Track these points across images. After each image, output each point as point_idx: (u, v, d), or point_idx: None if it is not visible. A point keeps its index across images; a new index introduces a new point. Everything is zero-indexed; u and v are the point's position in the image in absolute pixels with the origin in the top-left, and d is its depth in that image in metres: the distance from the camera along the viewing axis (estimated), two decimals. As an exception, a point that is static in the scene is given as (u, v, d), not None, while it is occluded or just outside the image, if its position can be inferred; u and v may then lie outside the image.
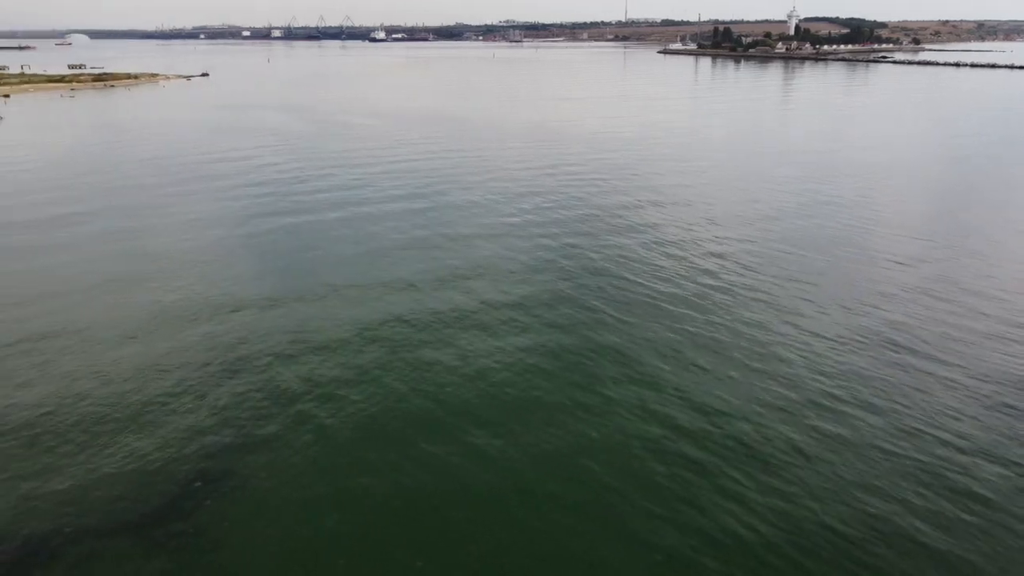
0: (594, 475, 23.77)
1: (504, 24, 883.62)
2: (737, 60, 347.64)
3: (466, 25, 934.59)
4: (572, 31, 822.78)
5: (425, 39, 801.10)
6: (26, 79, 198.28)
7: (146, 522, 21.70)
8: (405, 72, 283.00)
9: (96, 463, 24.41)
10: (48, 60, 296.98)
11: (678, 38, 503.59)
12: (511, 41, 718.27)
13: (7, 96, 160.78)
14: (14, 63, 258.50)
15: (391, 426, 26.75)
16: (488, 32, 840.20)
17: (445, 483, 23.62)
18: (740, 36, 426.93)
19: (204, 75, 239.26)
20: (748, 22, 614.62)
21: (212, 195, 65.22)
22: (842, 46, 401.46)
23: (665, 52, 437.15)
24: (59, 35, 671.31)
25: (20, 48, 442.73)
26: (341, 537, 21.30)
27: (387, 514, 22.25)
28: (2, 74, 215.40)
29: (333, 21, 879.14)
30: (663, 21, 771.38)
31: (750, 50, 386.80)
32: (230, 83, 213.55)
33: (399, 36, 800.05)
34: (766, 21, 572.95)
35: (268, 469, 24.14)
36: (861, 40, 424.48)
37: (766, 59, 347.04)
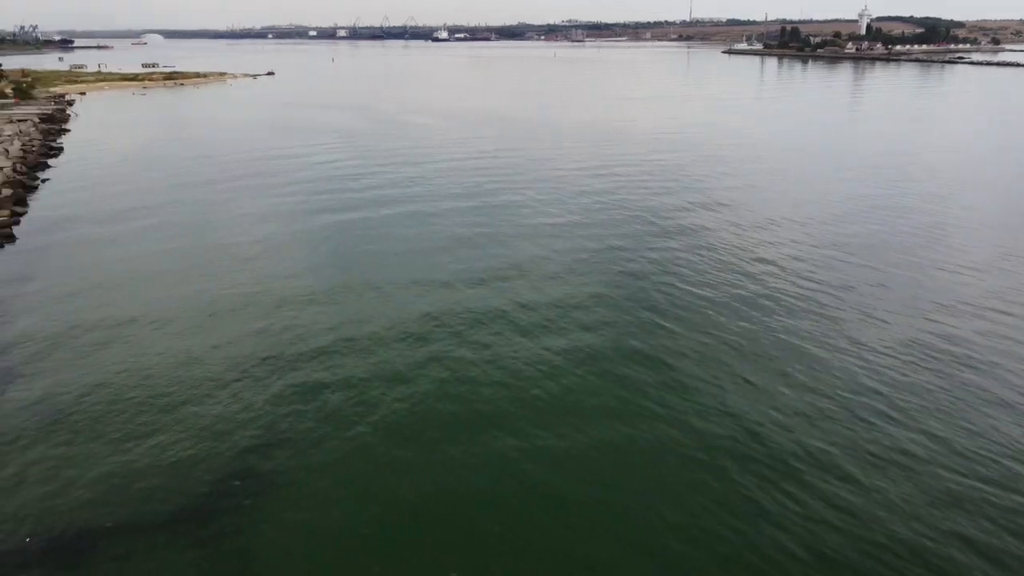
0: (629, 485, 23.10)
1: (566, 24, 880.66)
2: (804, 60, 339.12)
3: (528, 25, 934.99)
4: (635, 31, 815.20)
5: (487, 39, 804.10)
6: (102, 77, 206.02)
7: (184, 519, 21.84)
8: (465, 71, 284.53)
9: (138, 456, 24.81)
10: (124, 59, 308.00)
11: (743, 38, 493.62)
12: (573, 41, 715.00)
13: (83, 94, 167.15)
14: (92, 62, 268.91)
15: (427, 427, 26.53)
16: (550, 32, 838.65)
17: (478, 486, 23.26)
18: (808, 36, 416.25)
19: (270, 74, 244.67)
20: (817, 21, 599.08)
21: (268, 191, 66.41)
22: (916, 46, 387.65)
23: (730, 52, 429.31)
24: (135, 35, 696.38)
25: (99, 48, 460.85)
26: (377, 541, 21.10)
27: (421, 516, 22.00)
28: (79, 73, 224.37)
29: (397, 21, 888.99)
30: (728, 21, 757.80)
31: (818, 50, 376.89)
32: (294, 82, 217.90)
33: (461, 36, 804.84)
34: (835, 21, 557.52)
35: (305, 469, 24.08)
36: (936, 40, 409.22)
37: (835, 59, 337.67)
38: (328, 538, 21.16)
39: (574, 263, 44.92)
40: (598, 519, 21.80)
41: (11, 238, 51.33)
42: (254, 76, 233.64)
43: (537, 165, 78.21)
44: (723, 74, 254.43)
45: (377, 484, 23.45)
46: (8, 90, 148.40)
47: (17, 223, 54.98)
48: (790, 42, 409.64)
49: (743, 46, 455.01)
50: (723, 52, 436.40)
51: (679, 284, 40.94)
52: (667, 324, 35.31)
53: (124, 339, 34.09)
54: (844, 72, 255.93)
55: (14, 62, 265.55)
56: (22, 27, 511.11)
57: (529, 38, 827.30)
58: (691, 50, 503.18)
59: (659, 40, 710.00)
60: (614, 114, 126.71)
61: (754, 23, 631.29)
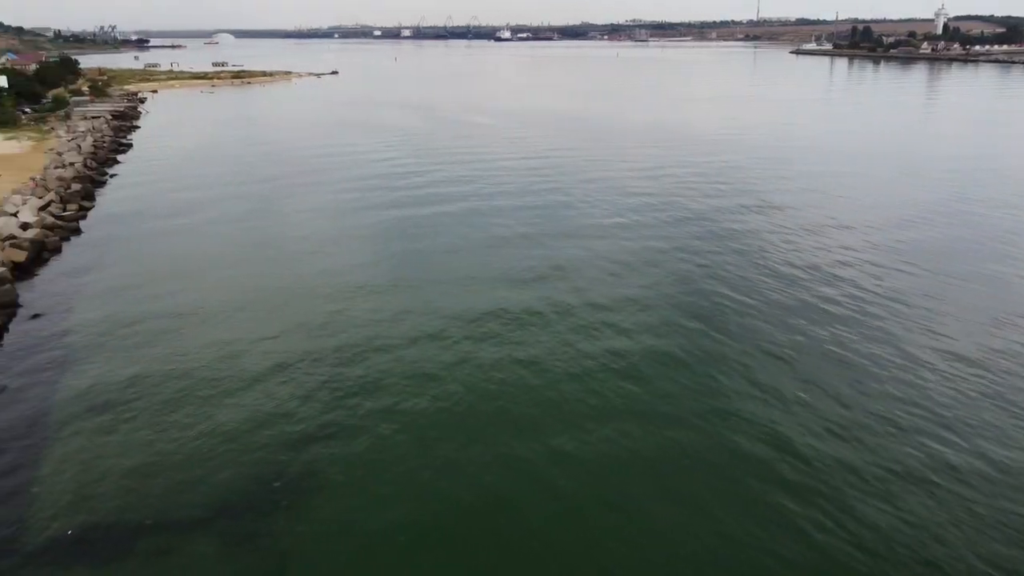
0: (662, 495, 22.20)
1: (630, 23, 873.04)
2: (876, 61, 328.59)
3: (591, 24, 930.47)
4: (700, 30, 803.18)
5: (549, 38, 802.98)
6: (173, 76, 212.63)
7: (221, 517, 21.71)
8: (525, 71, 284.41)
9: (178, 449, 24.92)
10: (195, 58, 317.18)
11: (812, 38, 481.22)
12: (636, 40, 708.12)
13: (155, 91, 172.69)
14: (165, 61, 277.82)
15: (464, 427, 26.04)
16: (613, 32, 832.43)
17: (513, 489, 22.65)
18: (880, 36, 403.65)
19: (334, 73, 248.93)
20: (890, 21, 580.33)
21: (325, 188, 67.16)
22: (996, 46, 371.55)
23: (797, 52, 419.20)
24: (208, 35, 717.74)
25: (172, 47, 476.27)
26: (411, 543, 20.69)
27: (456, 520, 21.51)
28: (153, 71, 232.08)
29: (460, 21, 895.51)
30: (797, 20, 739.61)
31: (891, 51, 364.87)
32: (356, 81, 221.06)
33: (523, 36, 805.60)
34: (910, 20, 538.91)
35: (348, 473, 23.67)
36: (1018, 40, 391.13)
37: (909, 60, 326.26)
38: (363, 540, 20.79)
39: (622, 266, 43.95)
40: (631, 528, 21.04)
41: (77, 231, 52.98)
42: (318, 75, 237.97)
43: (592, 166, 77.22)
44: (789, 75, 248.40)
45: (415, 485, 23.01)
46: (85, 88, 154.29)
47: (84, 217, 56.77)
48: (861, 42, 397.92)
49: (812, 46, 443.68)
50: (790, 52, 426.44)
51: (728, 291, 39.59)
52: (713, 332, 34.05)
53: (175, 330, 34.62)
54: (918, 73, 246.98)
55: (93, 61, 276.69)
56: (102, 27, 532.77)
57: (592, 38, 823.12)
58: (757, 50, 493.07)
59: (725, 40, 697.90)
60: (675, 115, 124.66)
61: (824, 22, 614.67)
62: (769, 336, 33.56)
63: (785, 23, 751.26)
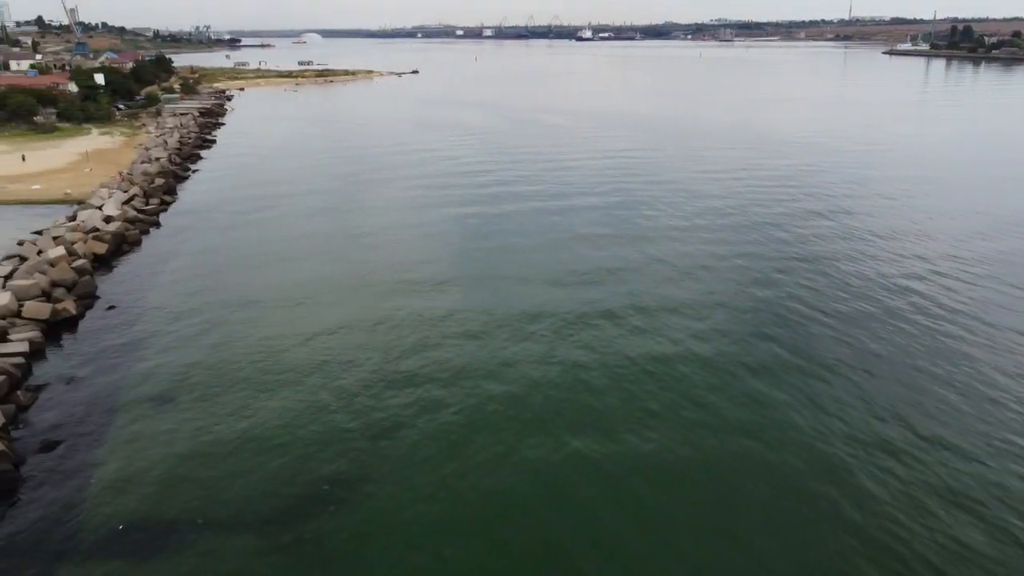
0: (720, 503, 21.21)
1: (715, 23, 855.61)
2: (976, 62, 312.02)
3: (675, 24, 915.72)
4: (788, 30, 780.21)
5: (632, 38, 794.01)
6: (260, 74, 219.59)
7: (271, 519, 21.75)
8: (605, 71, 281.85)
9: (230, 445, 25.24)
10: (283, 57, 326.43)
11: (907, 38, 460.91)
12: (721, 40, 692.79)
13: (242, 89, 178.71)
14: (254, 60, 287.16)
15: (540, 423, 25.88)
16: (698, 31, 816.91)
17: (573, 489, 22.19)
18: (982, 36, 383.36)
19: (414, 72, 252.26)
20: (994, 20, 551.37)
21: (396, 184, 67.97)
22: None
23: (891, 53, 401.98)
24: (296, 35, 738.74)
25: (262, 46, 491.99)
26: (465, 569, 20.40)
27: (513, 517, 21.21)
28: (241, 70, 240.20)
29: (542, 21, 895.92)
30: (892, 19, 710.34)
31: (994, 51, 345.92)
32: (436, 80, 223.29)
33: (605, 35, 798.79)
34: (1016, 19, 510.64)
35: (397, 482, 23.34)
36: None
37: (1012, 61, 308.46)
38: (410, 564, 20.53)
39: (680, 271, 42.88)
40: (690, 534, 20.43)
41: (157, 224, 54.92)
42: (399, 74, 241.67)
43: (663, 168, 75.44)
44: (881, 76, 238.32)
45: (478, 504, 22.55)
46: (176, 86, 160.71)
47: (164, 211, 58.85)
48: (961, 42, 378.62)
49: (907, 46, 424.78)
50: (884, 53, 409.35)
51: (791, 302, 37.83)
52: (771, 343, 32.51)
53: (240, 322, 35.41)
54: (1022, 75, 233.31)
55: (186, 59, 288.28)
56: (197, 27, 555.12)
57: (675, 38, 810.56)
58: (848, 51, 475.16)
59: (814, 40, 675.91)
60: (755, 117, 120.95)
61: (921, 22, 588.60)
62: (831, 350, 31.86)
63: (879, 23, 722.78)
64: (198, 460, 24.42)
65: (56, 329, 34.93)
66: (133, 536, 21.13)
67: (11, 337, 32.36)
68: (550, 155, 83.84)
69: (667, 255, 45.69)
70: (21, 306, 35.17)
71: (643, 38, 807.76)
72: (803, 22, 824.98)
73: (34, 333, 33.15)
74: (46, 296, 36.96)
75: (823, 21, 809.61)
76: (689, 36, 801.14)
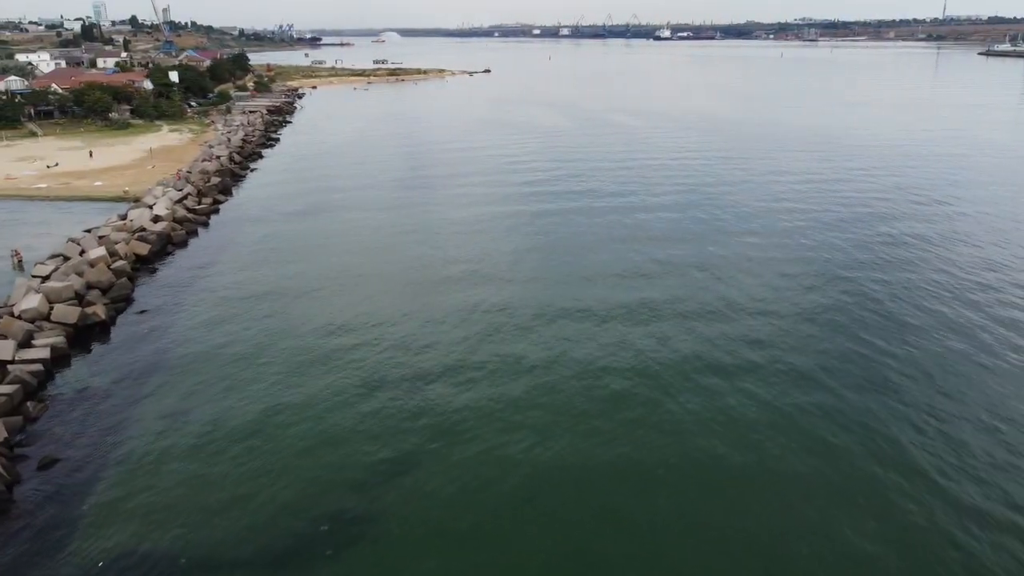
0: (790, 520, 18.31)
1: (799, 22, 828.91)
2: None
3: (757, 23, 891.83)
4: (876, 30, 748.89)
5: (711, 37, 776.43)
6: (334, 73, 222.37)
7: (267, 560, 20.08)
8: (682, 71, 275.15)
9: (237, 477, 23.67)
10: (360, 56, 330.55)
11: (1006, 37, 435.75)
12: (804, 40, 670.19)
13: (314, 87, 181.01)
14: (331, 58, 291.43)
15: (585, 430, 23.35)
16: (780, 31, 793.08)
17: (624, 502, 19.86)
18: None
19: (486, 71, 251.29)
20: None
21: (456, 182, 66.85)
22: None
23: (987, 54, 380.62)
24: (375, 34, 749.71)
25: (341, 45, 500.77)
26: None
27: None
28: (317, 68, 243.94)
29: (620, 20, 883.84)
30: (990, 19, 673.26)
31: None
32: (508, 79, 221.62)
33: (684, 35, 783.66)
34: None
35: (404, 524, 21.42)
36: None
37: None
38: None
39: (738, 275, 40.56)
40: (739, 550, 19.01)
41: (206, 224, 54.43)
42: (470, 73, 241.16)
43: (734, 171, 71.17)
44: (976, 78, 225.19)
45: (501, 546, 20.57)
46: (250, 84, 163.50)
47: (216, 211, 58.41)
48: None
49: (1005, 47, 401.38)
50: (979, 54, 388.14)
51: (883, 311, 35.15)
52: (864, 351, 29.18)
53: (267, 333, 33.96)
54: None
55: (265, 57, 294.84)
56: (280, 26, 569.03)
57: (757, 37, 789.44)
58: (940, 51, 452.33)
59: (904, 40, 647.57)
60: (835, 121, 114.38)
61: (1021, 22, 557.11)
62: (924, 368, 28.35)
63: (975, 22, 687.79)
64: (200, 490, 22.79)
65: (84, 334, 34.16)
66: (133, 561, 19.80)
67: (35, 342, 31.64)
68: (621, 156, 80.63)
69: (742, 260, 44.02)
70: (51, 309, 34.54)
71: (723, 38, 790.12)
72: (893, 21, 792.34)
73: (59, 338, 32.35)
74: (78, 299, 36.30)
75: (914, 20, 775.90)
76: (771, 36, 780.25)
